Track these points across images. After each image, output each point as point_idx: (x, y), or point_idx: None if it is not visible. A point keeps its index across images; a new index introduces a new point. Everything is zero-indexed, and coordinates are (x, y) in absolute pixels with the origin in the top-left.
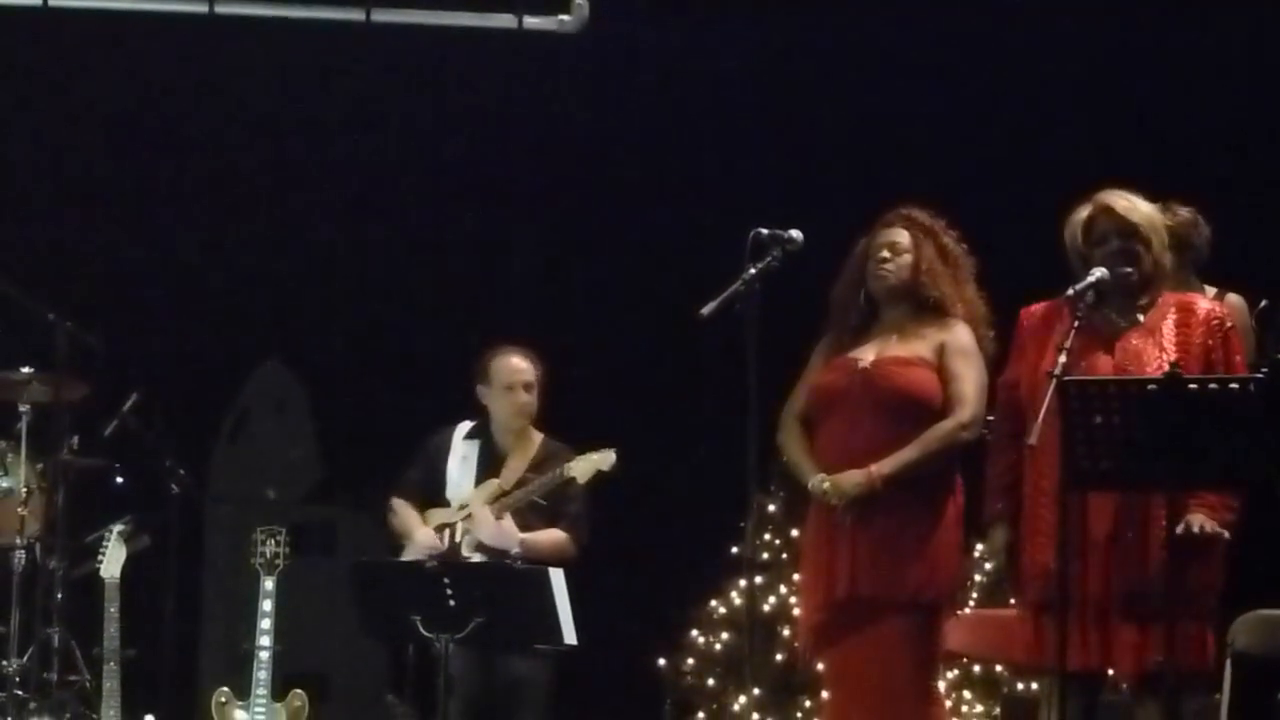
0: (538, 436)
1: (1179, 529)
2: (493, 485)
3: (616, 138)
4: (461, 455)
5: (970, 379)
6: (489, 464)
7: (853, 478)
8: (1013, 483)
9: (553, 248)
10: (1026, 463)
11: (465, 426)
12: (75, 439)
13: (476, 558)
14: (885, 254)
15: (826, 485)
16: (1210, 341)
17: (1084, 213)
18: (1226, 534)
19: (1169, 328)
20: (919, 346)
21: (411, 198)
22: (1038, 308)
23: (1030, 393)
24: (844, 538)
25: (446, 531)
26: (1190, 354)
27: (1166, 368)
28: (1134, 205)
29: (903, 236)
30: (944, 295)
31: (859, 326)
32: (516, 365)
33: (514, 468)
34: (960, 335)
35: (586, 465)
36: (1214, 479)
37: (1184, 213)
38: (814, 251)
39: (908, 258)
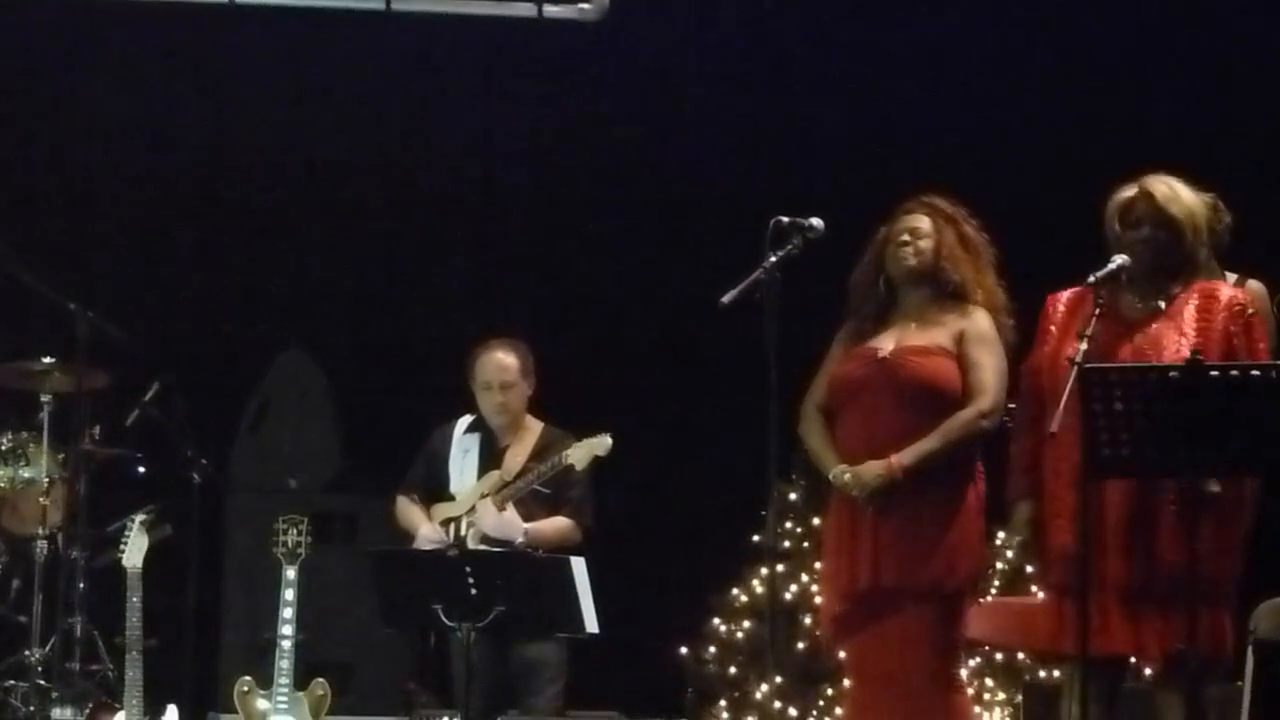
0: (537, 425)
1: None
2: (494, 476)
3: (636, 126)
4: (463, 449)
5: (990, 367)
6: (490, 456)
7: (873, 469)
8: (1033, 464)
9: (574, 235)
10: (1045, 447)
11: (466, 420)
12: (97, 429)
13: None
14: (906, 237)
15: (848, 476)
16: (1232, 328)
17: (1127, 193)
18: (1217, 488)
19: (1190, 313)
20: (938, 334)
21: (431, 185)
22: (1064, 294)
23: (1051, 379)
24: (865, 528)
25: (452, 525)
26: (1211, 339)
27: (1185, 353)
28: (1175, 195)
29: (924, 222)
30: (964, 280)
31: (878, 313)
32: (495, 363)
33: (515, 458)
34: (980, 322)
35: (583, 452)
36: (1235, 466)
37: (1204, 198)
38: (835, 240)
39: (929, 242)
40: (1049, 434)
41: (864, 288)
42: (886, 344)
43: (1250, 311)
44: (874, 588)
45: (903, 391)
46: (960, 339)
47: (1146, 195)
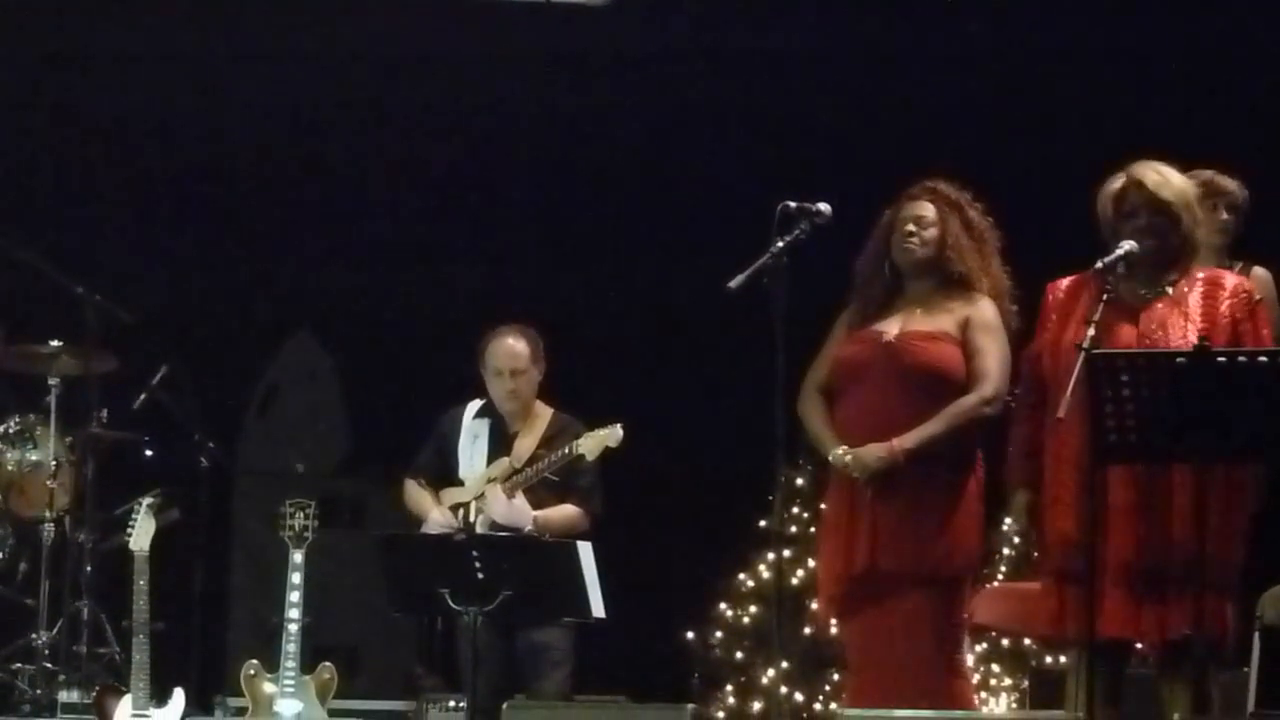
0: (546, 411)
1: None
2: (504, 463)
3: (643, 111)
4: (473, 434)
5: (994, 354)
6: (500, 442)
7: (875, 451)
8: (1033, 450)
9: (582, 221)
10: (1048, 432)
11: (475, 405)
12: (105, 412)
13: None
14: (911, 227)
15: (848, 458)
16: (1238, 315)
17: (1116, 184)
18: None
19: (1195, 300)
20: (943, 320)
21: (438, 169)
22: (1064, 281)
23: (1053, 365)
24: (864, 511)
25: (461, 511)
26: (1216, 326)
27: (1192, 338)
28: (1166, 180)
29: (928, 210)
30: (969, 270)
31: (883, 299)
32: (507, 350)
33: (525, 445)
34: (985, 310)
35: (595, 442)
36: (1242, 452)
37: (1228, 183)
38: (842, 226)
39: (933, 231)
40: (1054, 419)
41: (869, 273)
42: (891, 328)
43: (1257, 298)
44: (870, 571)
45: (906, 376)
46: (965, 325)
47: (1138, 184)
